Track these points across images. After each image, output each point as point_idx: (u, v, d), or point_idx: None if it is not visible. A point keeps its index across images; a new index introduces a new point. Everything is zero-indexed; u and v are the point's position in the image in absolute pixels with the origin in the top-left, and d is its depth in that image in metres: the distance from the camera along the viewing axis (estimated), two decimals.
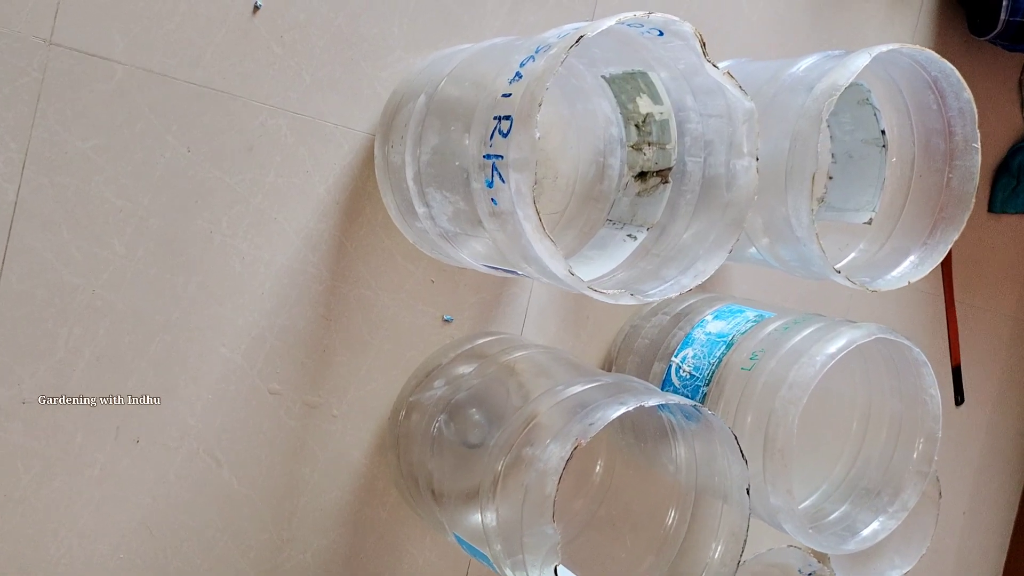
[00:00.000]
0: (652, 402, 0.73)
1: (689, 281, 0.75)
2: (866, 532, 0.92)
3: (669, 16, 0.68)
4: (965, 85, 0.85)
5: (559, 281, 0.69)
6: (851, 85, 0.93)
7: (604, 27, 0.66)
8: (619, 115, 0.89)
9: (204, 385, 0.87)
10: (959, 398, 1.46)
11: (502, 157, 0.67)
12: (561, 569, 0.72)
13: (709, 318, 0.99)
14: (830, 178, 1.02)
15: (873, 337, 0.85)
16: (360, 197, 0.92)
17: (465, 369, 0.92)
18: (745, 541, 0.80)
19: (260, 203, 0.87)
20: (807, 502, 1.00)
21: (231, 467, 0.89)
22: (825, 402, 1.06)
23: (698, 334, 0.97)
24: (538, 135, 0.65)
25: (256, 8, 0.84)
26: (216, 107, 0.84)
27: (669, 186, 0.84)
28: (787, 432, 0.83)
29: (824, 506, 0.98)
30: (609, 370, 1.08)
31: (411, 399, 0.93)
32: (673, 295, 0.73)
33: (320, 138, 0.89)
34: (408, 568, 1.01)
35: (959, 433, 1.50)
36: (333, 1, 0.88)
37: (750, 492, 0.79)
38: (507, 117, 0.67)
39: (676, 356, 0.97)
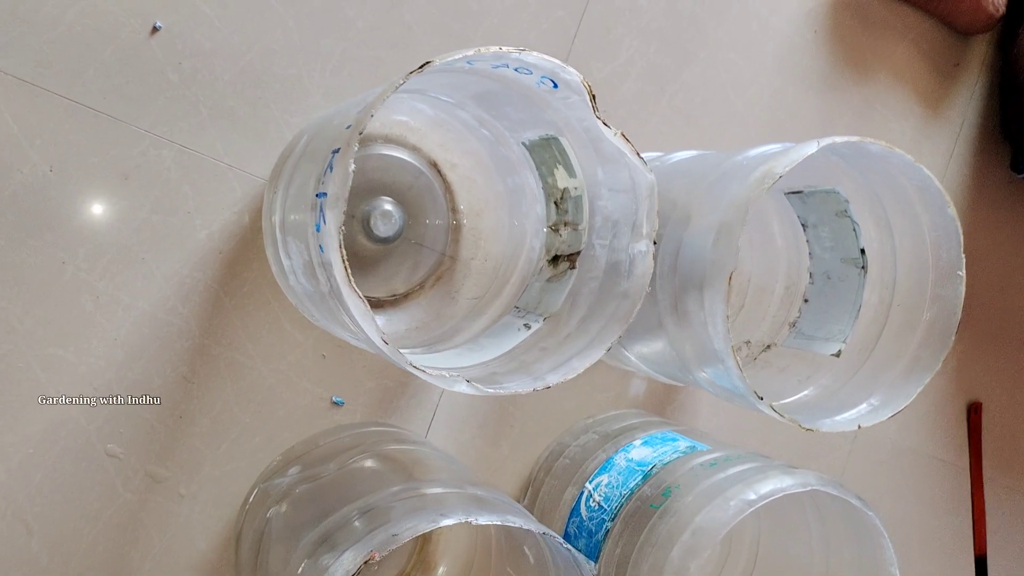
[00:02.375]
0: (483, 520, 0.58)
1: (555, 378, 0.61)
2: None
3: (545, 57, 0.57)
4: (948, 200, 0.70)
5: (376, 347, 0.56)
6: (828, 193, 0.79)
7: (454, 57, 0.55)
8: (541, 191, 0.78)
9: (24, 435, 0.76)
10: None
11: (326, 195, 0.56)
12: None
13: (637, 443, 0.83)
14: (805, 301, 0.87)
15: (808, 488, 0.69)
16: (248, 250, 0.82)
17: (331, 458, 0.78)
18: None
19: (127, 239, 0.78)
20: None
21: (43, 538, 0.77)
22: (779, 567, 0.88)
23: (619, 460, 0.82)
24: (352, 168, 0.53)
25: (155, 29, 0.77)
26: (92, 128, 0.76)
27: (575, 272, 0.71)
28: None
29: None
30: (525, 494, 0.92)
31: (261, 485, 0.80)
32: (522, 391, 0.59)
33: (209, 177, 0.80)
34: None
35: None
36: (247, 33, 0.80)
37: None
38: (337, 149, 0.57)
39: (590, 482, 0.82)
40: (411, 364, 0.56)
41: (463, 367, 0.69)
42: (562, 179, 0.73)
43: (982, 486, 1.19)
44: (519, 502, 0.93)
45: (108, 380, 0.78)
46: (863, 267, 0.80)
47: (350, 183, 0.54)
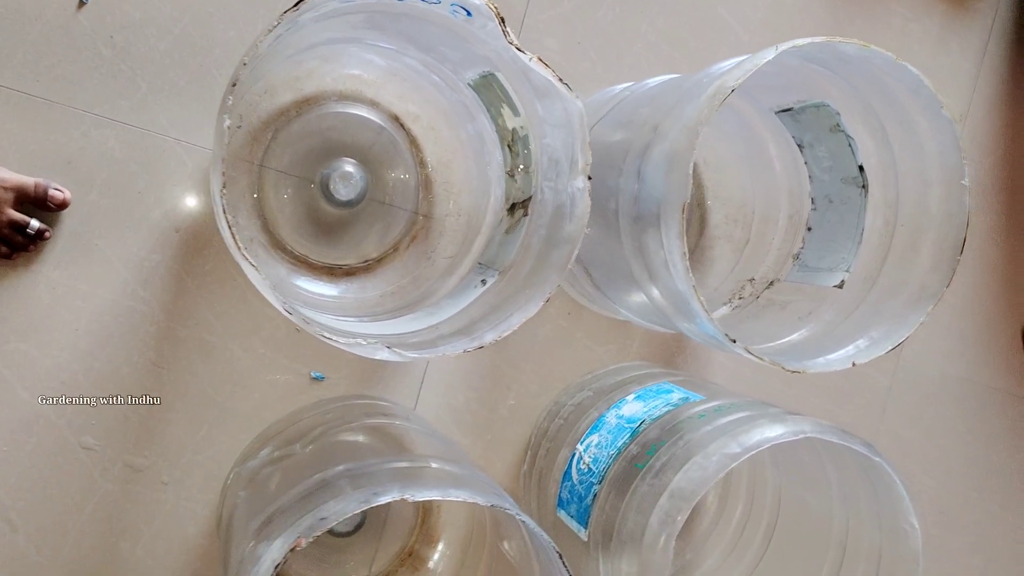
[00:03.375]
0: (419, 496, 0.53)
1: (492, 336, 0.56)
2: None
3: None
4: (941, 101, 0.61)
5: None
6: (818, 107, 0.71)
7: None
8: (496, 135, 0.72)
9: None
10: None
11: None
12: None
13: (630, 398, 0.77)
14: (808, 229, 0.79)
15: (802, 435, 0.62)
16: (206, 225, 0.79)
17: (300, 437, 0.75)
18: None
19: (78, 226, 0.75)
20: None
21: (28, 534, 0.76)
22: (799, 522, 0.81)
23: (610, 417, 0.76)
24: (227, 123, 0.49)
25: (81, 3, 0.74)
26: (27, 113, 0.73)
27: (528, 219, 0.66)
28: (660, 559, 0.60)
29: None
30: (526, 458, 0.87)
31: (237, 468, 0.77)
32: (451, 353, 0.54)
33: (157, 154, 0.77)
34: None
35: None
36: None
37: None
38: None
39: (581, 443, 0.76)
40: (323, 334, 0.51)
41: (412, 331, 0.64)
42: (509, 119, 0.67)
43: None
44: (521, 467, 0.88)
45: (74, 372, 0.76)
46: (863, 186, 0.72)
47: (226, 140, 0.49)
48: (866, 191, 0.72)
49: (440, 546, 0.85)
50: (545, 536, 0.56)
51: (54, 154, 0.74)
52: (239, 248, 0.48)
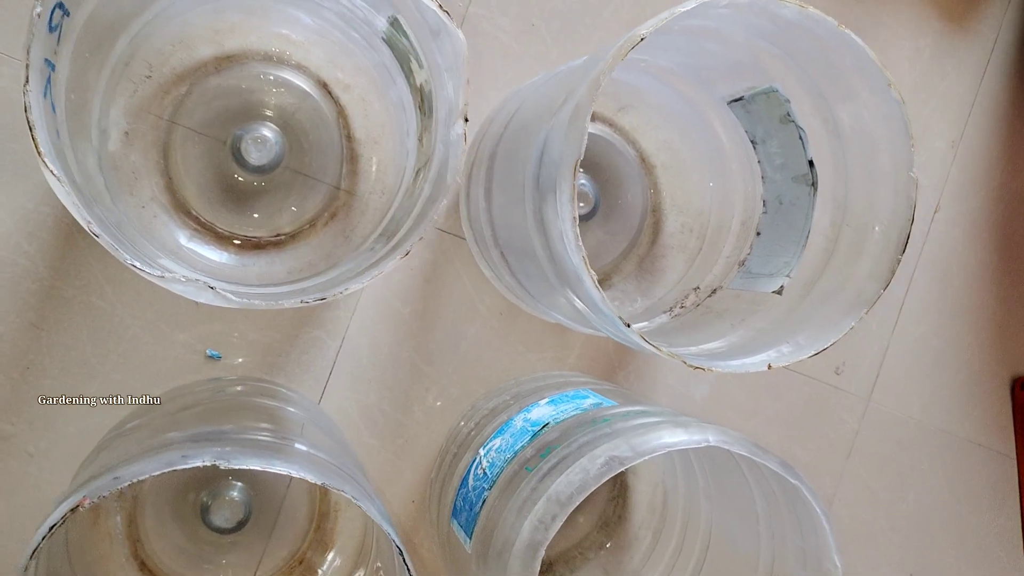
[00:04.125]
0: (233, 464, 0.46)
1: (322, 295, 0.48)
2: None
3: None
4: (889, 78, 0.54)
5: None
6: (767, 94, 0.65)
7: None
8: (411, 96, 0.65)
9: None
10: None
11: None
12: None
13: (543, 402, 0.70)
14: (758, 234, 0.72)
15: (704, 444, 0.54)
16: None
17: (180, 405, 0.68)
18: None
19: None
20: None
21: None
22: (728, 558, 0.73)
23: (517, 421, 0.68)
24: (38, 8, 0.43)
25: None
26: None
27: (426, 181, 0.59)
28: (528, 572, 0.52)
29: None
30: (438, 465, 0.80)
31: (107, 437, 0.71)
32: (287, 304, 0.47)
33: None
34: None
35: None
36: None
37: None
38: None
39: (484, 447, 0.69)
40: (134, 263, 0.44)
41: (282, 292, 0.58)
42: (417, 73, 0.61)
43: None
44: (430, 474, 0.80)
45: None
46: (813, 183, 0.65)
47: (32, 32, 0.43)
48: (815, 189, 0.64)
49: (331, 555, 0.77)
50: (386, 525, 0.48)
51: None
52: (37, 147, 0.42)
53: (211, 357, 0.76)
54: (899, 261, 0.55)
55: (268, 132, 0.73)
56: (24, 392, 0.72)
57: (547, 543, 0.52)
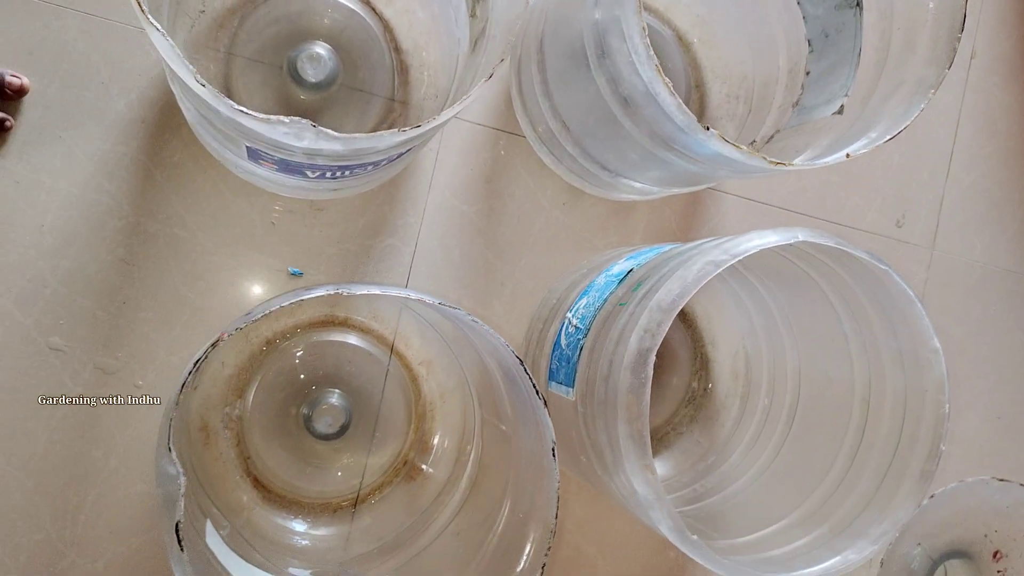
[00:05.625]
0: (348, 291, 0.48)
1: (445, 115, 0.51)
2: (826, 564, 0.58)
3: None
4: None
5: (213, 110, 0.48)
6: None
7: None
8: None
9: None
10: None
11: None
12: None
13: (622, 259, 0.71)
14: (807, 73, 0.74)
15: (795, 240, 0.55)
16: (173, 114, 0.76)
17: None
18: (553, 534, 0.52)
19: (39, 118, 0.73)
20: (772, 528, 0.67)
21: None
22: (820, 396, 0.74)
23: (599, 279, 0.70)
24: None
25: None
26: None
27: (485, 40, 0.61)
28: (638, 381, 0.54)
29: (793, 532, 0.65)
30: (524, 350, 0.82)
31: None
32: (394, 142, 0.49)
33: (120, 43, 0.75)
34: None
35: None
36: None
37: (555, 453, 0.51)
38: None
39: (571, 311, 0.70)
40: (241, 109, 0.47)
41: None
42: None
43: None
44: None
45: (40, 270, 0.73)
46: (858, 4, 0.66)
47: None
48: (860, 9, 0.66)
49: (432, 452, 0.79)
50: (499, 339, 0.50)
51: (15, 45, 0.73)
52: (174, 50, 0.45)
53: (293, 275, 0.78)
54: (959, 38, 0.57)
55: (321, 50, 0.76)
56: (123, 327, 0.75)
57: (656, 349, 0.54)
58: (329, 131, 0.49)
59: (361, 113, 0.79)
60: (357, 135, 0.49)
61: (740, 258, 0.55)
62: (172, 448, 0.45)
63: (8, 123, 0.71)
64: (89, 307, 0.74)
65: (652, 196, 0.82)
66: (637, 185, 0.75)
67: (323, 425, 0.75)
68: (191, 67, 0.47)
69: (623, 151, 0.67)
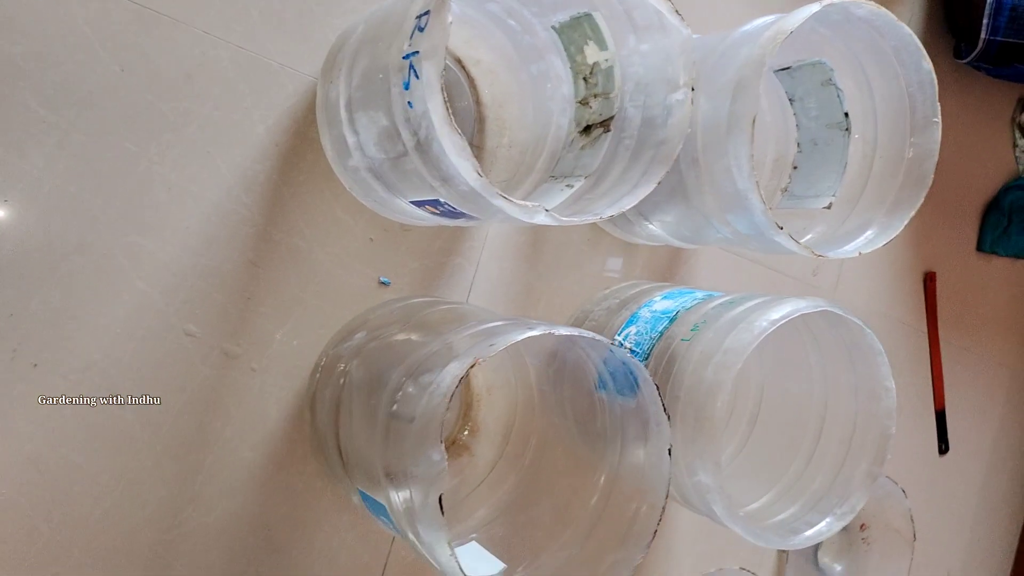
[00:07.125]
0: (563, 331, 0.68)
1: (611, 210, 0.71)
2: (810, 532, 0.84)
3: None
4: (924, 54, 0.82)
5: (467, 189, 0.65)
6: (815, 64, 0.90)
7: None
8: (569, 70, 0.87)
9: (114, 316, 0.82)
10: (943, 446, 1.38)
11: (418, 52, 0.64)
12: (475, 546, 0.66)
13: (657, 298, 0.94)
14: (794, 168, 0.99)
15: (820, 309, 0.80)
16: (302, 142, 0.90)
17: (390, 322, 0.87)
18: (664, 508, 0.73)
19: (193, 134, 0.85)
20: (755, 504, 0.92)
21: (135, 409, 0.84)
22: (782, 404, 1.00)
23: (644, 313, 0.92)
24: (450, 20, 0.62)
25: None
26: (156, 30, 0.82)
27: (610, 134, 0.81)
28: (717, 400, 0.77)
29: (772, 508, 0.91)
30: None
31: (330, 351, 0.89)
32: (591, 220, 0.69)
33: (263, 76, 0.87)
34: (321, 546, 0.94)
35: (943, 483, 1.41)
36: None
37: (672, 453, 0.73)
38: (426, 12, 0.65)
39: (620, 334, 0.92)
40: (500, 195, 0.65)
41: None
42: (592, 54, 0.82)
43: (939, 347, 1.34)
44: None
45: (183, 266, 0.85)
46: (847, 129, 0.92)
47: (449, 35, 0.62)
48: (849, 133, 0.92)
49: (482, 436, 0.98)
50: (621, 351, 0.71)
51: (177, 68, 0.83)
52: (450, 120, 0.61)
53: (383, 283, 0.94)
54: (930, 182, 0.83)
55: None
56: (247, 319, 0.88)
57: (729, 383, 0.77)
58: (556, 215, 0.67)
59: None
60: (573, 218, 0.68)
61: (787, 319, 0.79)
62: (443, 440, 0.63)
63: None
64: (221, 300, 0.87)
65: (656, 243, 1.05)
66: (660, 232, 0.97)
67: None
68: (478, 169, 0.63)
69: (680, 219, 0.89)
